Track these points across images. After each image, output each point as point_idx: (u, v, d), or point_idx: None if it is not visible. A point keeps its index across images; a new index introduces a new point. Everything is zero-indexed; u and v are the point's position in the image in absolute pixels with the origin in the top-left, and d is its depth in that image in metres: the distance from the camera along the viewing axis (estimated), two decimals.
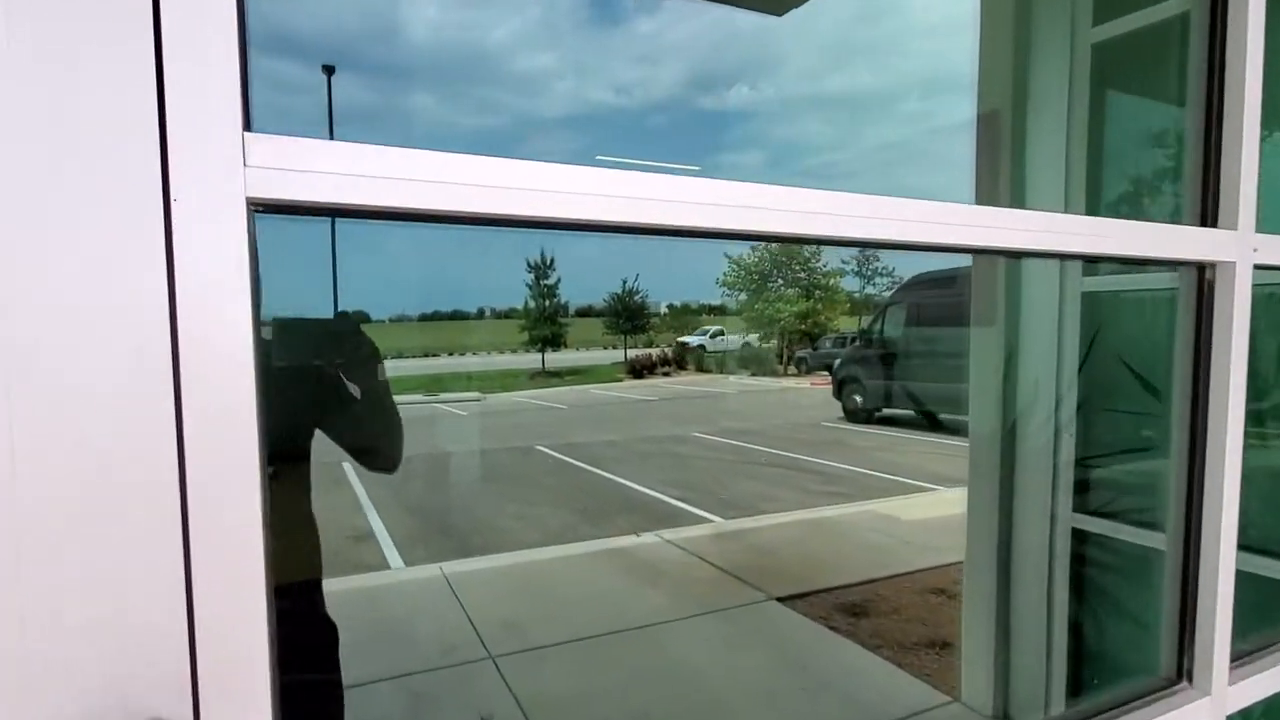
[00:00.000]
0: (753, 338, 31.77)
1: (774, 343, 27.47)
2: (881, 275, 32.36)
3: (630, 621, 3.44)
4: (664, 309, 42.96)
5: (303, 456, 1.26)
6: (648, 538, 4.94)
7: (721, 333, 32.52)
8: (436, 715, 2.65)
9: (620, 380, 23.96)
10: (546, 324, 26.85)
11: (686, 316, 42.14)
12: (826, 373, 19.99)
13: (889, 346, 11.68)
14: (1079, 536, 2.31)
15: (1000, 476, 2.50)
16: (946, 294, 10.55)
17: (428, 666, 2.94)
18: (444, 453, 9.56)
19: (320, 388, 1.25)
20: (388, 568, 4.62)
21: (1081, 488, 2.30)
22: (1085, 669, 2.41)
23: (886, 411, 11.94)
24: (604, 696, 2.81)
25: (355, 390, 1.24)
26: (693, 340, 30.65)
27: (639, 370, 25.39)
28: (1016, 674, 2.62)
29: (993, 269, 2.47)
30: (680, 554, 4.57)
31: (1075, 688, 2.43)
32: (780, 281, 27.71)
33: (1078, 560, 2.34)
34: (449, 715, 2.67)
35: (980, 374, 2.58)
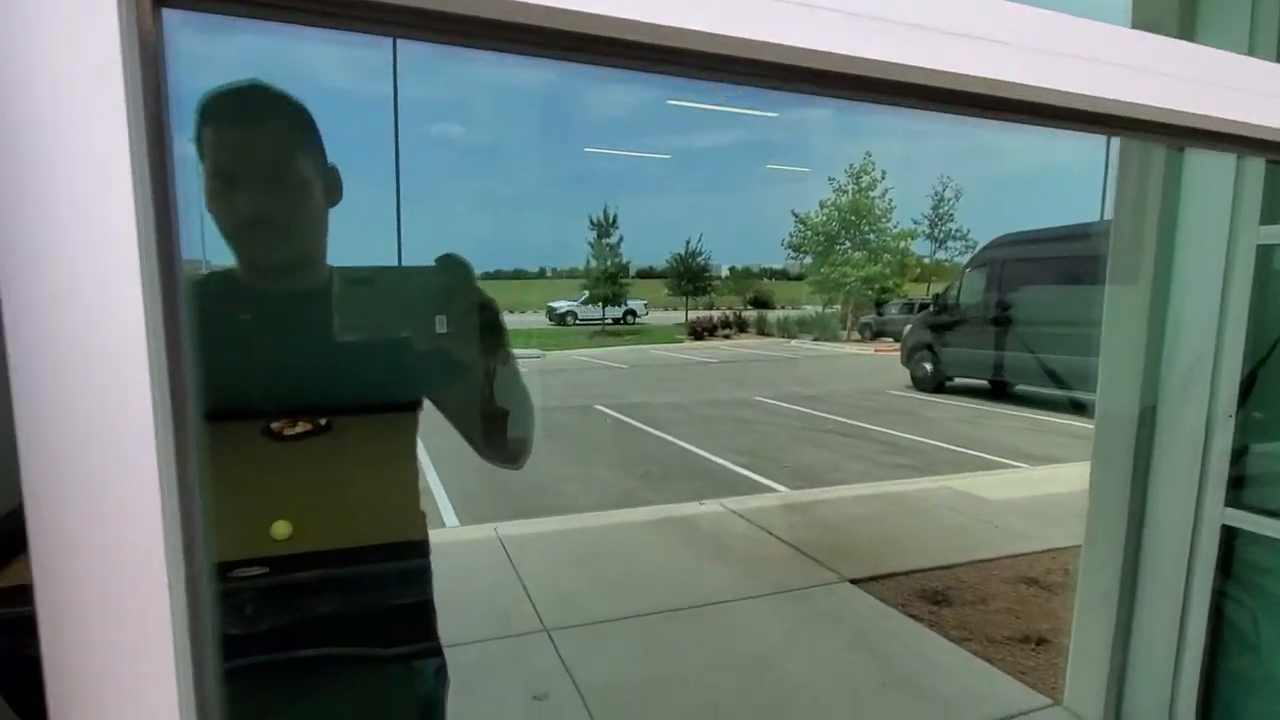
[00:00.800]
0: (639, 304, 29.81)
1: (838, 308, 26.64)
2: (955, 238, 30.98)
3: (694, 598, 3.22)
4: (726, 271, 42.18)
5: (400, 458, 0.98)
6: (711, 506, 4.71)
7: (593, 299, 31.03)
8: (487, 691, 2.50)
9: (680, 341, 23.73)
10: (608, 283, 26.68)
11: (748, 280, 41.31)
12: (891, 339, 19.33)
13: (967, 312, 11.03)
14: (1238, 536, 1.96)
15: (1134, 461, 2.15)
16: (1037, 254, 9.85)
17: (478, 637, 2.80)
18: None
19: (415, 366, 0.93)
20: (443, 525, 4.53)
21: (1240, 479, 1.94)
22: (1225, 690, 2.08)
23: (958, 381, 11.38)
24: (667, 684, 2.61)
25: (466, 364, 0.93)
26: (561, 305, 29.41)
27: (699, 332, 25.14)
28: (1135, 683, 2.30)
29: (1140, 215, 2.08)
30: (746, 525, 4.33)
31: (1206, 709, 2.11)
32: (848, 244, 26.69)
33: (1231, 562, 2.00)
34: (499, 692, 2.52)
35: (1114, 342, 2.21)
